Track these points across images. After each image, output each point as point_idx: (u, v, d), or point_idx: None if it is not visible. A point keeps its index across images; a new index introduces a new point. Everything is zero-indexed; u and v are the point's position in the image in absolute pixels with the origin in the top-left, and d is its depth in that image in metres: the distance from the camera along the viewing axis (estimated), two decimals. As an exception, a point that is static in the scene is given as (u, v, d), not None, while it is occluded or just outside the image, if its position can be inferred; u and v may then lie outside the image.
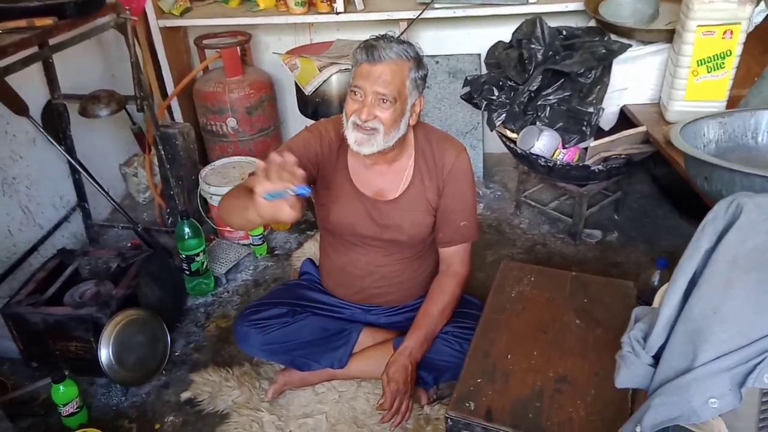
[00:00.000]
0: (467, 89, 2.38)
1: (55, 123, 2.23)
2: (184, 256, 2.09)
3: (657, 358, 0.81)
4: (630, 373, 0.80)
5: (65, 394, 1.62)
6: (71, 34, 1.83)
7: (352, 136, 1.41)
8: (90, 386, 1.81)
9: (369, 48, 1.37)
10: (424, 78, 1.44)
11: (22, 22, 1.57)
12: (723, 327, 0.71)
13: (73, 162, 2.22)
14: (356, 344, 1.69)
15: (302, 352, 1.66)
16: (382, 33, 1.43)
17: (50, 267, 1.94)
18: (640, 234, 2.35)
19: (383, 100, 1.37)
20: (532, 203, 2.51)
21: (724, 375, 0.71)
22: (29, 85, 2.12)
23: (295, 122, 2.95)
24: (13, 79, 1.95)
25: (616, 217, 2.47)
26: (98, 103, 2.05)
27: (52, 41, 1.83)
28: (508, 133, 2.23)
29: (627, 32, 2.08)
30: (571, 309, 1.42)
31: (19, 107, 2.05)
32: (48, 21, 1.62)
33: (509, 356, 1.30)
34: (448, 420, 1.19)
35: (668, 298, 0.77)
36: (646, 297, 1.66)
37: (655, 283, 1.76)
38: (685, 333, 0.74)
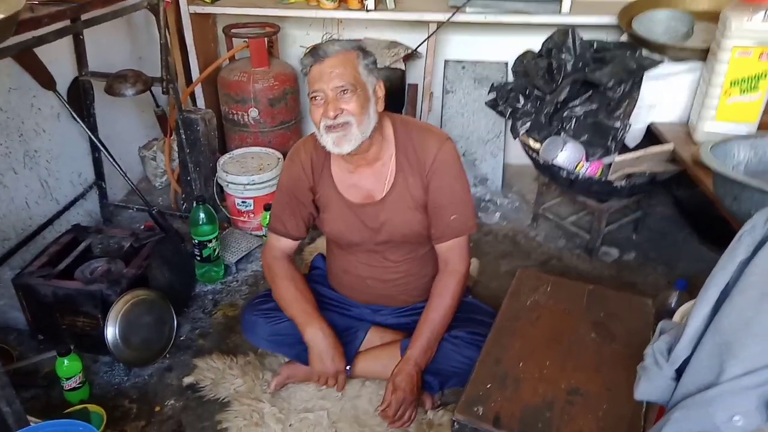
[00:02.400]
0: (493, 96, 2.36)
1: (80, 99, 2.25)
2: (196, 241, 2.09)
3: (680, 373, 0.78)
4: (650, 386, 0.77)
5: (69, 368, 1.62)
6: (104, 11, 1.84)
7: (328, 140, 1.40)
8: (93, 363, 1.80)
9: (313, 50, 1.40)
10: (374, 63, 1.44)
11: (58, -6, 1.59)
12: (754, 341, 0.68)
13: (94, 140, 2.22)
14: (363, 343, 1.67)
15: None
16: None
17: (64, 242, 1.95)
18: (659, 256, 2.31)
19: (343, 91, 1.36)
20: (550, 216, 2.47)
21: (751, 392, 0.68)
22: (58, 60, 2.13)
23: (317, 118, 2.94)
24: (42, 53, 1.97)
25: (634, 236, 2.43)
26: (125, 83, 2.06)
27: (84, 16, 1.84)
28: (531, 143, 2.20)
29: (660, 49, 2.05)
30: (587, 322, 1.39)
31: (47, 81, 2.07)
32: (83, -5, 1.64)
33: (521, 364, 1.27)
34: (455, 423, 1.16)
35: (697, 309, 0.74)
36: (662, 318, 1.62)
37: (672, 304, 1.72)
38: (713, 346, 0.71)
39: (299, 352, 1.67)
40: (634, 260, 2.29)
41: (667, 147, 1.90)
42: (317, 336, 1.54)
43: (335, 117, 1.36)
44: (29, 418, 1.43)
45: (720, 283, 0.73)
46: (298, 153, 1.59)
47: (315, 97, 1.39)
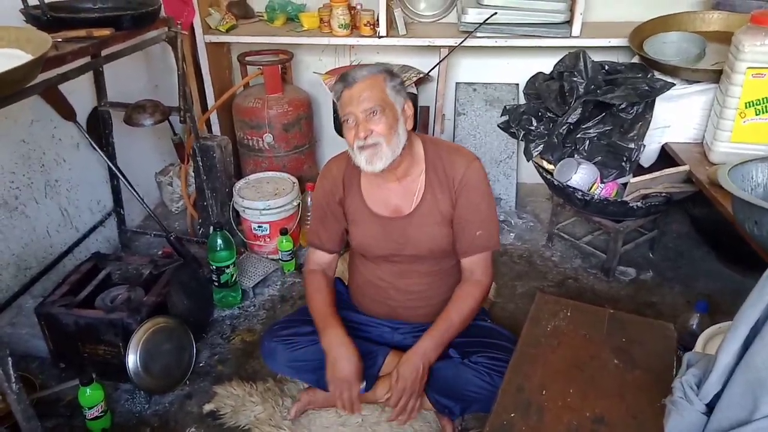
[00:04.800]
0: (505, 118, 2.38)
1: (98, 129, 2.29)
2: (214, 267, 2.10)
3: (710, 406, 0.77)
4: (681, 420, 0.77)
5: (91, 397, 1.63)
6: (124, 45, 1.88)
7: (361, 159, 1.47)
8: (114, 391, 1.81)
9: (343, 77, 1.48)
10: (401, 84, 1.51)
11: (81, 32, 1.62)
12: (787, 379, 0.68)
13: (113, 168, 2.26)
14: (382, 368, 1.67)
15: None
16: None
17: (84, 270, 1.97)
18: (676, 275, 2.30)
19: (372, 113, 1.43)
20: (565, 236, 2.47)
21: (786, 430, 0.68)
22: (78, 91, 2.18)
23: (330, 142, 2.98)
24: (63, 85, 2.00)
25: (651, 256, 2.42)
26: (143, 113, 2.09)
27: (104, 52, 1.88)
28: (545, 164, 2.21)
29: (672, 70, 2.07)
30: (609, 348, 1.38)
31: (67, 112, 2.11)
32: (105, 32, 1.67)
33: (544, 392, 1.26)
34: (480, 454, 1.16)
35: (727, 345, 0.74)
36: (684, 341, 1.61)
37: (694, 326, 1.71)
38: (745, 383, 0.71)
39: (319, 378, 1.66)
40: (651, 280, 2.28)
41: (683, 168, 1.91)
42: (333, 340, 1.54)
43: (365, 138, 1.43)
44: (54, 449, 1.44)
45: (750, 320, 0.73)
46: (330, 169, 1.67)
47: (347, 120, 1.47)
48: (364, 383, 1.58)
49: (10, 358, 1.29)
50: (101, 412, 1.65)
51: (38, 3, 1.61)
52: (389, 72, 1.49)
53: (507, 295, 2.21)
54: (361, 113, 1.43)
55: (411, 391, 1.49)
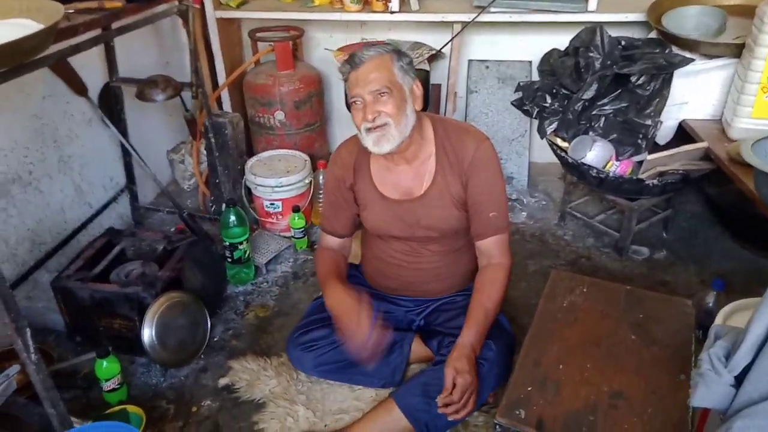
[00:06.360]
0: (518, 95, 2.35)
1: (110, 105, 2.28)
2: (227, 243, 2.11)
3: (739, 379, 0.77)
4: (709, 392, 0.77)
5: (108, 369, 1.64)
6: (135, 18, 1.86)
7: (369, 140, 1.45)
8: (130, 365, 1.83)
9: (350, 58, 1.45)
10: (410, 63, 1.48)
11: (93, 3, 1.61)
12: (820, 350, 0.67)
13: (125, 144, 2.26)
14: (410, 355, 1.67)
15: (357, 369, 1.63)
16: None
17: (98, 245, 1.98)
18: (690, 254, 2.28)
19: (380, 94, 1.41)
20: (578, 215, 2.46)
21: (817, 401, 0.67)
22: (89, 66, 2.16)
23: (341, 120, 2.96)
24: (74, 60, 2.00)
25: (665, 235, 2.40)
26: (155, 88, 2.08)
27: (115, 24, 1.87)
28: (560, 142, 2.19)
29: (691, 45, 2.03)
30: (626, 324, 1.38)
31: (79, 88, 2.10)
32: (117, 3, 1.66)
33: (561, 366, 1.26)
34: (497, 426, 1.16)
35: (759, 317, 0.73)
36: (699, 319, 1.60)
37: (710, 304, 1.70)
38: (776, 354, 0.71)
39: (351, 376, 1.67)
40: (665, 259, 2.27)
41: (701, 145, 1.88)
42: (334, 297, 1.54)
43: (374, 119, 1.41)
44: (72, 419, 1.46)
45: (783, 289, 0.72)
46: (339, 154, 1.66)
47: (355, 102, 1.44)
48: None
49: (28, 329, 1.31)
50: (117, 385, 1.67)
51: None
52: (397, 51, 1.46)
53: (519, 273, 2.20)
54: (369, 94, 1.41)
55: (470, 383, 1.40)
